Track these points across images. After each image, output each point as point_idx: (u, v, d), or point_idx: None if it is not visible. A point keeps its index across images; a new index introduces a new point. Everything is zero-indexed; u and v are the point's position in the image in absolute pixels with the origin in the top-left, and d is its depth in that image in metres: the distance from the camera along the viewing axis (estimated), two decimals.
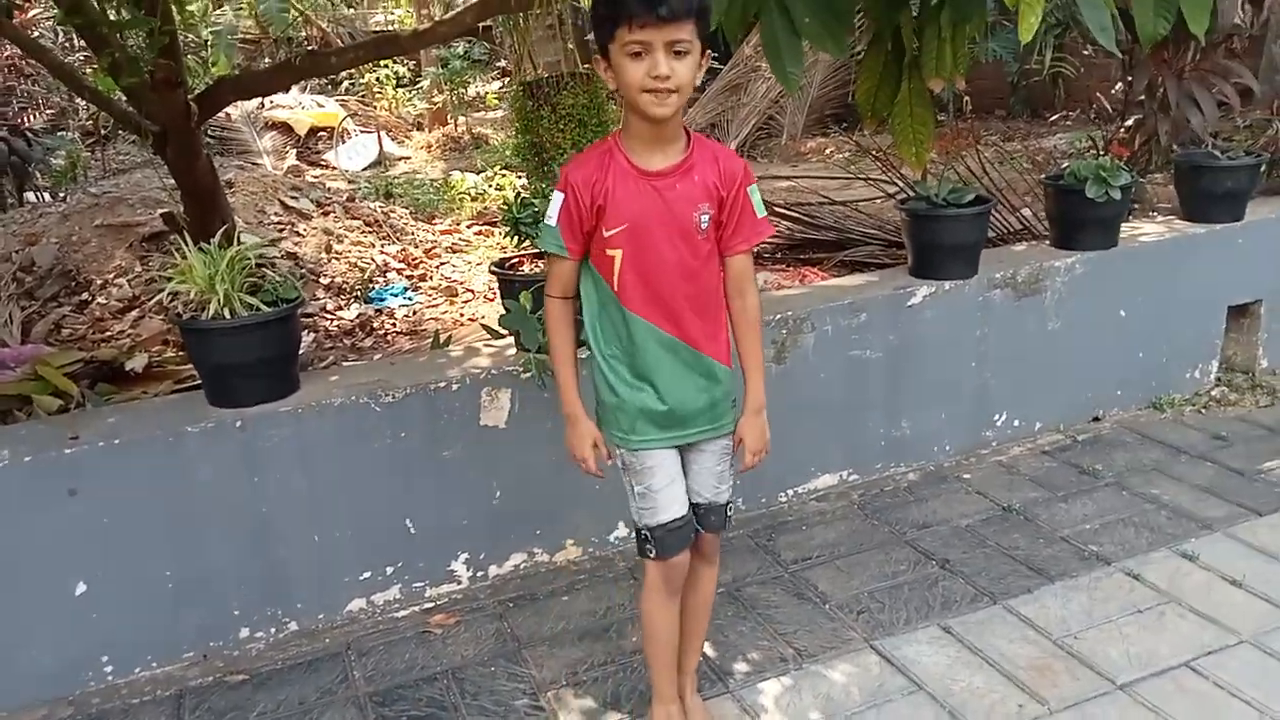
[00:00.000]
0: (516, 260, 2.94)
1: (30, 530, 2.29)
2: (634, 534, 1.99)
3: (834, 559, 2.81)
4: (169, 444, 2.39)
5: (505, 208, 2.85)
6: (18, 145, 6.72)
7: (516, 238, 2.83)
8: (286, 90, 10.16)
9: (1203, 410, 3.66)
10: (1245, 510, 2.93)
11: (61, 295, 4.79)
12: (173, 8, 3.33)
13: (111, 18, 3.16)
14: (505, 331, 2.88)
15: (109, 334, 4.36)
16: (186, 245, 2.54)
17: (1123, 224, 3.59)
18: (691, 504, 2.01)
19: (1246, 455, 3.28)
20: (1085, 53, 8.88)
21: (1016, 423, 3.47)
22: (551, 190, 1.90)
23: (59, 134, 8.44)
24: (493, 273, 2.97)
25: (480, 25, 3.60)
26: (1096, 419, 3.61)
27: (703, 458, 2.00)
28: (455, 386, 2.63)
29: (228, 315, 2.45)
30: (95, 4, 2.99)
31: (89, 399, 3.03)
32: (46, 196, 6.89)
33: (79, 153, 7.80)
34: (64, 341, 4.23)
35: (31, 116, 8.95)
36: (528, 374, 2.63)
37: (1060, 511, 3.00)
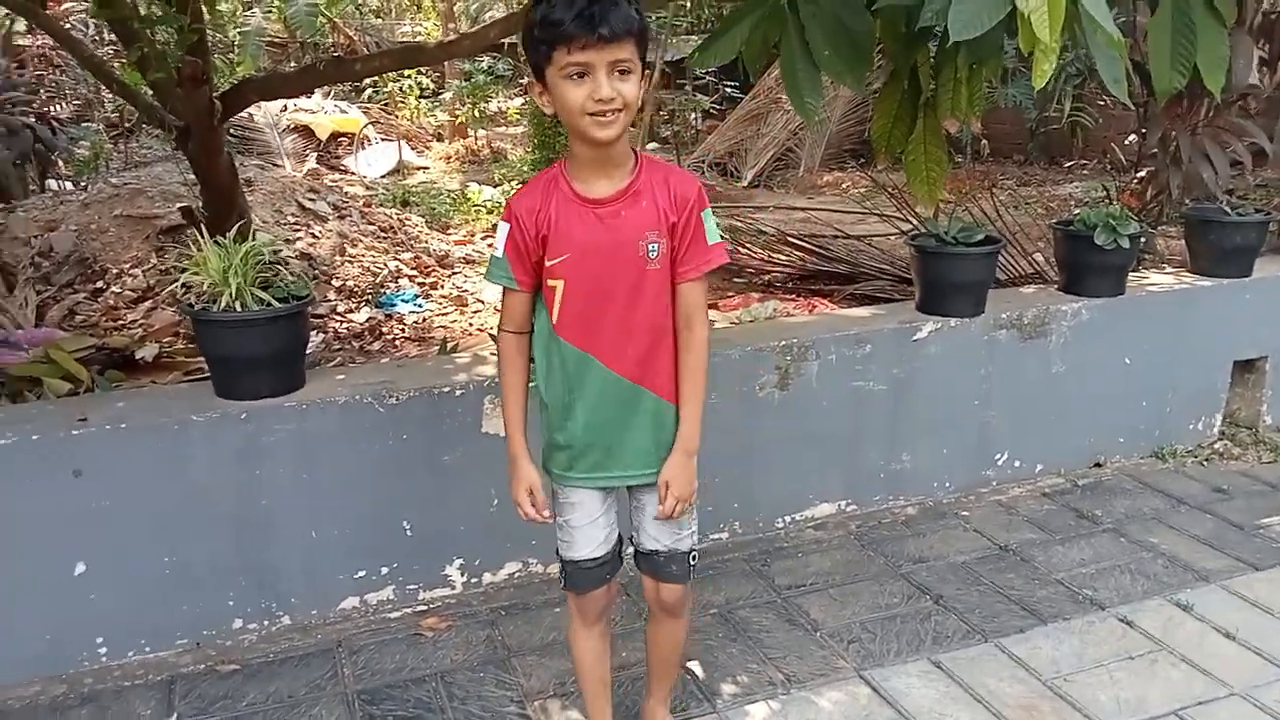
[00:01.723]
0: None
1: (35, 508, 2.31)
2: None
3: (828, 587, 2.82)
4: (174, 431, 2.41)
5: None
6: (43, 133, 6.80)
7: None
8: (310, 94, 10.28)
9: (1204, 463, 3.66)
10: (1242, 564, 2.93)
11: (77, 282, 4.84)
12: (203, 6, 3.39)
13: (143, 13, 3.22)
14: None
15: (121, 322, 4.40)
16: (203, 238, 2.57)
17: (1131, 273, 3.61)
18: (651, 551, 1.95)
19: (1246, 510, 3.28)
20: (1103, 103, 8.97)
21: (1017, 463, 3.48)
22: None
23: (84, 124, 8.54)
24: None
25: (505, 41, 3.65)
26: (1098, 465, 3.62)
27: (656, 501, 1.89)
28: (459, 392, 2.65)
29: (239, 308, 2.48)
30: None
31: (98, 384, 3.06)
32: (68, 185, 6.97)
33: (102, 144, 7.90)
34: (77, 327, 4.27)
35: (58, 106, 9.06)
36: (533, 384, 2.65)
37: (1057, 554, 3.01)
